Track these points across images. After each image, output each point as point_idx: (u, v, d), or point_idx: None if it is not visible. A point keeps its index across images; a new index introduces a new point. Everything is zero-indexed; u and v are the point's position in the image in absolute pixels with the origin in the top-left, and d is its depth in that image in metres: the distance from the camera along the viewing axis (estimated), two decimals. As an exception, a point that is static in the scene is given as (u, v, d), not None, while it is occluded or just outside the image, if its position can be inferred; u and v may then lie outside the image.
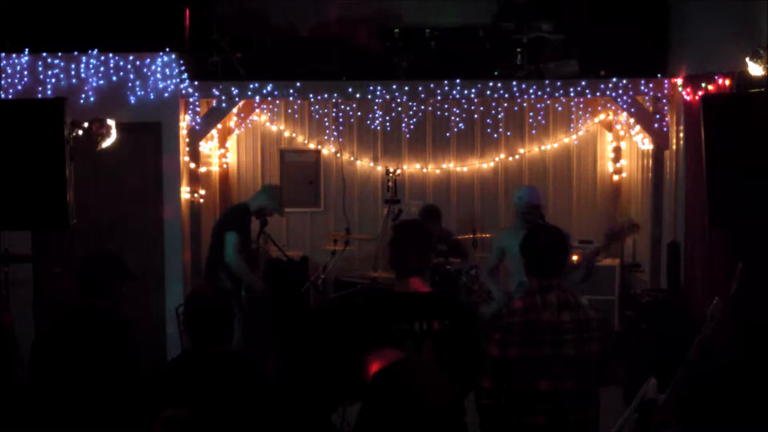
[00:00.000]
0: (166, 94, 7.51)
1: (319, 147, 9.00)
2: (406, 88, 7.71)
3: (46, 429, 3.88)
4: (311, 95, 7.80)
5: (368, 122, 8.86)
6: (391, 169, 8.01)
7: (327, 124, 8.95)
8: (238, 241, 6.64)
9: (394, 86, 7.69)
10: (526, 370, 3.57)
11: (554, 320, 3.57)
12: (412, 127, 8.91)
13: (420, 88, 7.71)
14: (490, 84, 7.66)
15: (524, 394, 3.60)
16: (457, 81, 7.67)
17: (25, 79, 7.39)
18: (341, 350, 2.62)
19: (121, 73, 7.47)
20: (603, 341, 3.65)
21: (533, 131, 8.94)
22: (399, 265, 3.88)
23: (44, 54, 7.40)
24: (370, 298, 4.53)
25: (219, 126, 8.33)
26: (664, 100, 7.67)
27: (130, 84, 7.47)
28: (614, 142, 8.97)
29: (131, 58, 7.47)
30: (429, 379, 2.74)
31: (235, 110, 8.25)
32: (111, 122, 6.63)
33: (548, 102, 8.73)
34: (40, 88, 7.38)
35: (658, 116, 7.71)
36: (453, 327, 3.70)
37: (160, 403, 3.30)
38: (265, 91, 7.67)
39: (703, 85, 6.44)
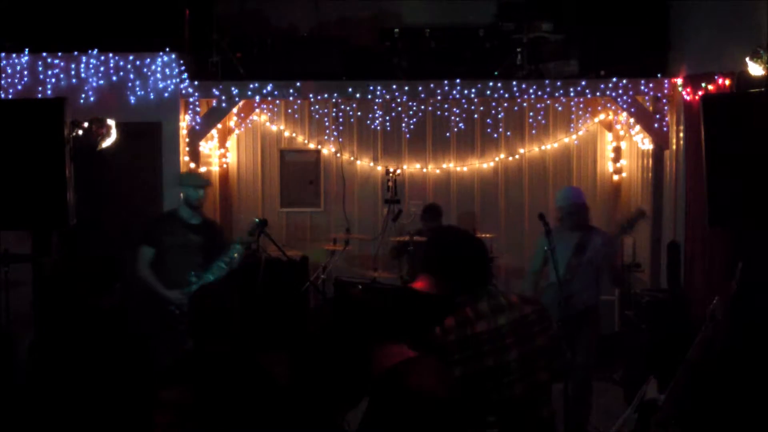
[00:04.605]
0: (166, 94, 7.52)
1: (319, 147, 9.00)
2: (406, 88, 7.71)
3: (46, 428, 3.89)
4: (311, 95, 7.81)
5: (368, 122, 8.87)
6: (391, 169, 8.00)
7: (327, 124, 8.95)
8: (151, 254, 6.07)
9: (394, 86, 7.70)
10: (473, 384, 3.32)
11: (491, 328, 3.35)
12: (412, 127, 8.91)
13: (420, 88, 7.72)
14: (490, 84, 7.66)
15: (475, 408, 3.32)
16: (457, 81, 7.67)
17: (25, 79, 7.40)
18: (351, 347, 2.62)
19: (121, 73, 7.48)
20: (546, 333, 3.45)
21: (533, 131, 8.94)
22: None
23: (44, 54, 7.41)
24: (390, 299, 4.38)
25: (219, 126, 8.33)
26: (664, 100, 7.67)
27: (130, 84, 7.48)
28: (614, 142, 8.97)
29: (131, 58, 7.48)
30: (439, 379, 2.74)
31: (235, 110, 8.25)
32: (111, 122, 6.63)
33: (548, 102, 8.73)
34: (40, 88, 7.39)
35: (658, 116, 7.71)
36: None
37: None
38: (265, 91, 7.68)
39: (703, 85, 6.44)
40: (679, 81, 7.31)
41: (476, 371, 3.32)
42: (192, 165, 7.75)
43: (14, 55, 7.39)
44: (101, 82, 7.47)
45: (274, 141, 9.05)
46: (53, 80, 7.42)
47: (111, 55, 7.47)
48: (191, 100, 7.66)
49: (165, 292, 5.93)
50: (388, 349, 2.76)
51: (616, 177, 8.99)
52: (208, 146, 8.39)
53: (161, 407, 3.18)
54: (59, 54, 7.42)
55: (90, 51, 7.44)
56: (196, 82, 7.64)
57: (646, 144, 8.08)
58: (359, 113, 8.86)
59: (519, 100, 8.59)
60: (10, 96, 7.31)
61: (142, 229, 6.26)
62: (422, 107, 8.84)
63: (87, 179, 6.54)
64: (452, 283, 3.42)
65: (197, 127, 7.74)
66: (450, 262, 3.43)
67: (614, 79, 7.61)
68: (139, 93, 7.49)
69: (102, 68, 7.47)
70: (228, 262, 6.02)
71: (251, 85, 7.66)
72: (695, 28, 7.09)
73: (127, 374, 3.82)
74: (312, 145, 9.01)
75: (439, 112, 8.83)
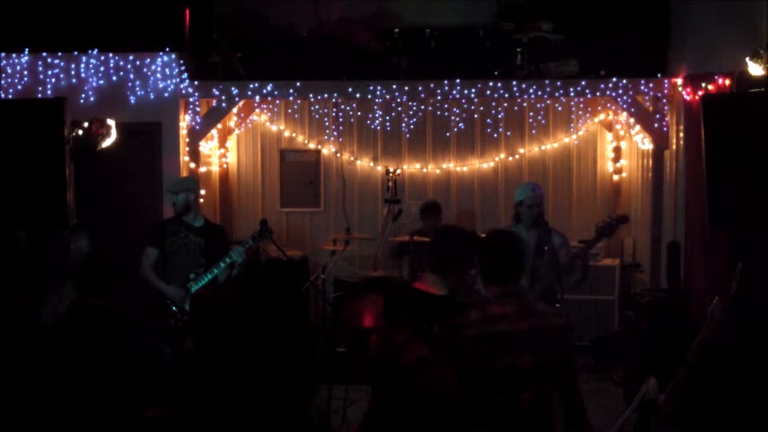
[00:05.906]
0: (166, 94, 7.52)
1: (319, 147, 9.00)
2: (406, 88, 7.71)
3: (45, 428, 3.88)
4: (311, 95, 7.81)
5: (368, 122, 8.86)
6: (391, 169, 8.00)
7: (327, 124, 8.95)
8: (155, 255, 6.25)
9: (394, 86, 7.70)
10: (481, 383, 3.32)
11: (511, 330, 3.38)
12: (412, 127, 8.91)
13: (420, 88, 7.71)
14: (490, 84, 7.66)
15: (478, 407, 3.33)
16: (457, 81, 7.67)
17: (25, 79, 7.40)
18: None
19: (121, 73, 7.49)
20: (561, 349, 3.49)
21: (533, 131, 8.94)
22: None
23: (44, 54, 7.41)
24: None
25: (219, 126, 8.33)
26: (664, 100, 7.67)
27: (130, 84, 7.48)
28: (614, 142, 8.96)
29: (131, 58, 7.48)
30: (446, 380, 2.74)
31: (235, 110, 8.25)
32: (111, 122, 6.64)
33: (548, 102, 8.73)
34: (40, 88, 7.39)
35: (658, 116, 7.71)
36: None
37: (161, 402, 3.30)
38: (265, 91, 7.68)
39: (703, 85, 6.44)
40: (679, 81, 7.31)
41: (487, 369, 3.34)
42: (192, 165, 7.75)
43: (14, 55, 7.39)
44: (101, 82, 7.47)
45: (274, 141, 9.05)
46: (53, 80, 7.42)
47: (111, 55, 7.47)
48: (191, 100, 7.66)
49: (165, 289, 6.16)
50: (410, 342, 2.76)
51: (616, 177, 8.98)
52: (208, 146, 8.39)
53: (147, 424, 3.21)
54: (59, 54, 7.42)
55: (90, 51, 7.44)
56: (196, 82, 7.64)
57: (646, 144, 8.08)
58: (359, 113, 8.86)
59: (519, 100, 8.59)
60: (10, 96, 7.31)
61: (149, 231, 6.43)
62: (422, 107, 8.84)
63: (87, 179, 6.55)
64: (490, 271, 3.53)
65: (197, 127, 7.74)
66: (489, 250, 3.59)
67: (614, 79, 7.60)
68: (139, 93, 7.49)
69: (102, 68, 7.47)
70: (228, 263, 6.15)
71: (251, 85, 7.66)
72: (695, 28, 7.09)
73: (126, 375, 3.82)
74: (312, 145, 9.01)
75: (439, 112, 8.83)
